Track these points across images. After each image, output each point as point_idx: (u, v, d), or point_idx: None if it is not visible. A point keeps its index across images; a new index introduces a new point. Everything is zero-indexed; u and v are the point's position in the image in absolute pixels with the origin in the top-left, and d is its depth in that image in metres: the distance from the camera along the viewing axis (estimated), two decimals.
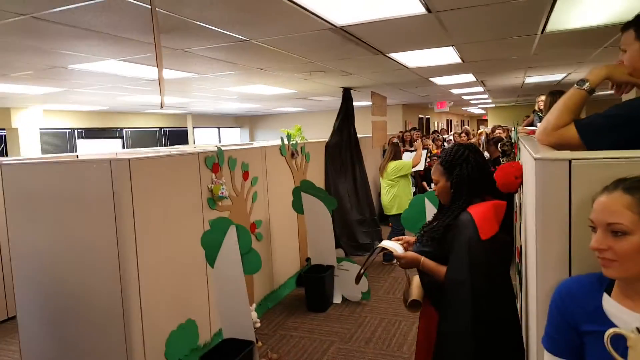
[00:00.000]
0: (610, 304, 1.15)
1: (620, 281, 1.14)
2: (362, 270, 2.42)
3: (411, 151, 7.94)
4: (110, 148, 11.98)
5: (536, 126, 5.06)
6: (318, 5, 3.03)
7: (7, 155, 9.01)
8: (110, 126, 12.09)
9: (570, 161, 1.26)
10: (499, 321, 1.91)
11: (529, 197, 1.61)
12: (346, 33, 3.83)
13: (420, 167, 7.03)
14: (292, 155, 5.62)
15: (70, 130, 11.11)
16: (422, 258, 2.14)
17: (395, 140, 7.05)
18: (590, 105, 1.54)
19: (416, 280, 2.32)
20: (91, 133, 11.69)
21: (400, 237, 2.40)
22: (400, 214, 6.45)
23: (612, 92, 1.59)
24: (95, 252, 3.09)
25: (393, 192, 6.39)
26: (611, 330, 1.05)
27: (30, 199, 3.26)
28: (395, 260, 2.25)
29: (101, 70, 5.02)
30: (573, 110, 1.49)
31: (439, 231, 2.14)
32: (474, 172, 2.14)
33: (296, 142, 5.75)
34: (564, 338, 1.23)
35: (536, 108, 6.53)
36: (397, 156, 6.46)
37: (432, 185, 2.35)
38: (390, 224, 6.78)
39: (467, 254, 1.94)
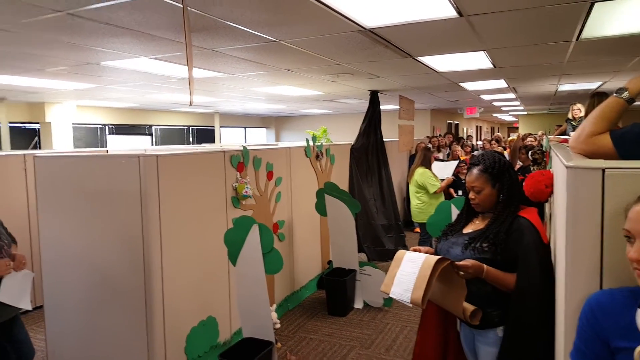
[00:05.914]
0: None
1: None
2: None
3: (439, 160, 7.80)
4: (139, 144, 12.22)
5: (569, 135, 4.94)
6: (347, 7, 3.02)
7: (40, 149, 9.26)
8: (140, 123, 12.32)
9: (603, 170, 1.22)
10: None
11: (559, 207, 1.57)
12: (375, 35, 3.80)
13: (449, 174, 6.84)
14: (317, 157, 5.62)
15: (101, 126, 11.39)
16: (485, 266, 2.02)
17: (428, 145, 6.91)
18: (630, 116, 1.48)
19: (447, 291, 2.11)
20: (121, 129, 11.94)
21: (418, 248, 2.18)
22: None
23: None
24: (121, 244, 3.14)
25: (421, 199, 6.04)
26: None
27: (61, 191, 3.34)
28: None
29: (133, 68, 5.11)
30: (609, 119, 1.45)
31: (499, 237, 2.06)
32: (517, 178, 2.19)
33: (321, 143, 5.74)
34: (594, 352, 1.19)
35: (570, 116, 6.34)
36: (425, 162, 6.06)
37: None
38: (418, 228, 6.72)
39: (537, 258, 1.94)
